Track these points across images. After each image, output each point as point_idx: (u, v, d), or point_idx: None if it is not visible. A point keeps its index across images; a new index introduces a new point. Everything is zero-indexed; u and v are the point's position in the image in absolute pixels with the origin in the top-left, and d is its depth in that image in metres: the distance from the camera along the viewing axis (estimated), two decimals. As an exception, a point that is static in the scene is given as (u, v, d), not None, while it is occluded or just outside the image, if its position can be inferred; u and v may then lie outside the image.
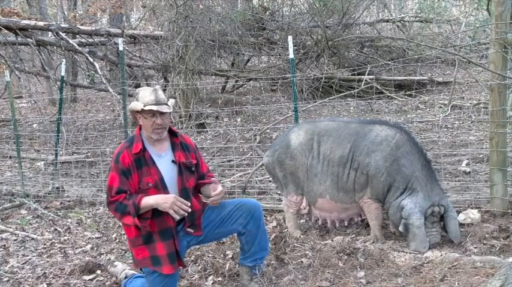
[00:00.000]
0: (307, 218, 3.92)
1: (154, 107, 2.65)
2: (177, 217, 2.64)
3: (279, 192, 4.36)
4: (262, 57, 10.41)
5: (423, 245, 3.28)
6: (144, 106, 2.65)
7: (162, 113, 2.69)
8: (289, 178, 3.77)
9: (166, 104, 2.71)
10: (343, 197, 3.59)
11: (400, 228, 3.36)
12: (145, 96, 2.68)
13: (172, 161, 2.77)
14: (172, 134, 2.85)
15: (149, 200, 2.58)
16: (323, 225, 3.85)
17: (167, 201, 2.56)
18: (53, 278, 3.51)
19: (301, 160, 3.69)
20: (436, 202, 3.35)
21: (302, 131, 3.75)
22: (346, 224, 3.77)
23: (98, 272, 3.49)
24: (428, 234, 3.33)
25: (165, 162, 2.76)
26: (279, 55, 9.28)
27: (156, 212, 2.65)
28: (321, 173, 3.63)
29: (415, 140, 3.57)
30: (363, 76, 7.20)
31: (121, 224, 2.78)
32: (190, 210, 2.61)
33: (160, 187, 2.68)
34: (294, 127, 3.92)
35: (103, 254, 3.91)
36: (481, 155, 5.08)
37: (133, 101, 2.75)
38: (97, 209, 5.16)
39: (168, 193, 2.70)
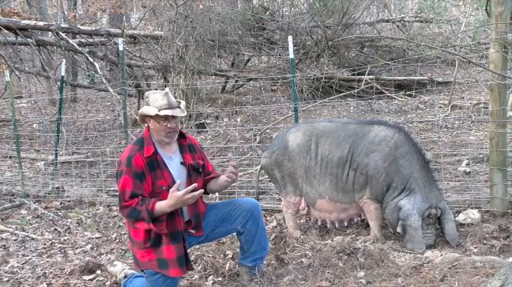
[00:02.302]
0: (307, 219, 3.91)
1: (170, 112, 2.63)
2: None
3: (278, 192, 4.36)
4: (262, 57, 10.40)
5: (419, 247, 3.28)
6: (159, 111, 2.62)
7: (174, 117, 2.68)
8: (287, 179, 3.77)
9: (179, 107, 2.70)
10: (343, 198, 3.59)
11: (398, 229, 3.36)
12: (157, 101, 2.65)
13: (181, 163, 2.77)
14: (180, 135, 2.84)
15: (163, 206, 2.53)
16: (323, 225, 3.85)
17: (178, 202, 2.51)
18: (53, 278, 3.51)
19: (299, 161, 3.68)
20: (434, 204, 3.35)
21: (300, 132, 3.74)
22: (345, 224, 3.77)
23: (98, 272, 3.49)
24: (423, 235, 3.32)
25: (174, 164, 2.76)
26: (279, 55, 9.28)
27: (169, 215, 2.63)
28: (319, 174, 3.62)
29: (414, 140, 3.57)
30: (363, 76, 7.20)
31: (128, 225, 2.75)
32: (198, 189, 2.57)
33: None
34: (291, 128, 3.91)
35: (103, 254, 3.91)
36: (481, 155, 5.08)
37: (142, 105, 2.72)
38: (97, 209, 5.16)
39: None
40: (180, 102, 2.75)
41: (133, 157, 2.64)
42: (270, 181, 4.92)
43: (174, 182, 2.67)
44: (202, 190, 2.62)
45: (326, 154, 3.60)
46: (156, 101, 2.65)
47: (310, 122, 4.29)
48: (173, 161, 2.76)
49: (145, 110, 2.67)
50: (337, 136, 3.61)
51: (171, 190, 2.53)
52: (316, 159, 3.63)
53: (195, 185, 2.55)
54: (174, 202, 2.51)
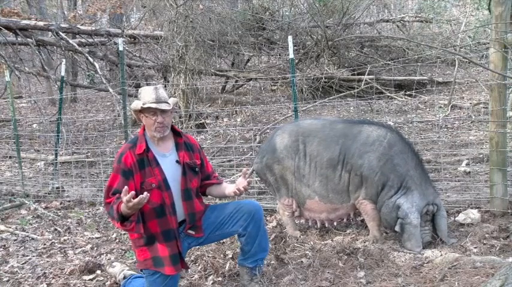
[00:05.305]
0: (304, 219, 3.91)
1: (153, 105, 2.65)
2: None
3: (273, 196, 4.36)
4: (262, 57, 10.41)
5: (418, 245, 3.28)
6: (144, 104, 2.66)
7: (162, 111, 2.69)
8: (280, 181, 3.75)
9: (166, 102, 2.71)
10: (334, 199, 3.57)
11: (396, 228, 3.35)
12: (146, 95, 2.69)
13: (177, 161, 2.77)
14: (176, 134, 2.85)
15: (123, 207, 2.44)
16: (322, 225, 3.84)
17: (126, 207, 2.41)
18: (53, 278, 3.51)
19: (288, 162, 3.66)
20: (431, 201, 3.37)
21: (286, 134, 3.72)
22: (335, 224, 3.75)
23: (98, 272, 3.49)
24: (421, 233, 3.33)
25: (168, 162, 2.75)
26: (279, 55, 9.29)
27: (160, 213, 2.65)
28: (308, 174, 3.60)
29: (406, 139, 3.57)
30: (362, 76, 7.22)
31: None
32: (136, 198, 2.39)
33: (164, 188, 2.68)
34: (278, 130, 3.89)
35: (103, 254, 3.91)
36: (481, 155, 5.08)
37: (134, 100, 2.76)
38: (97, 209, 5.16)
39: (171, 193, 2.69)
40: (169, 98, 2.77)
41: (124, 155, 2.66)
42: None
43: (165, 179, 2.68)
44: (142, 196, 2.40)
45: (314, 155, 3.58)
46: (144, 96, 2.69)
47: (295, 122, 4.27)
48: (167, 158, 2.76)
49: (133, 104, 2.71)
50: (324, 136, 3.58)
51: (121, 195, 2.43)
52: (305, 159, 3.61)
53: (142, 196, 2.41)
54: (124, 206, 2.43)
